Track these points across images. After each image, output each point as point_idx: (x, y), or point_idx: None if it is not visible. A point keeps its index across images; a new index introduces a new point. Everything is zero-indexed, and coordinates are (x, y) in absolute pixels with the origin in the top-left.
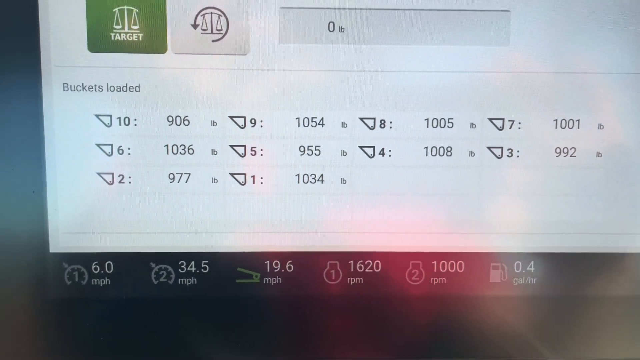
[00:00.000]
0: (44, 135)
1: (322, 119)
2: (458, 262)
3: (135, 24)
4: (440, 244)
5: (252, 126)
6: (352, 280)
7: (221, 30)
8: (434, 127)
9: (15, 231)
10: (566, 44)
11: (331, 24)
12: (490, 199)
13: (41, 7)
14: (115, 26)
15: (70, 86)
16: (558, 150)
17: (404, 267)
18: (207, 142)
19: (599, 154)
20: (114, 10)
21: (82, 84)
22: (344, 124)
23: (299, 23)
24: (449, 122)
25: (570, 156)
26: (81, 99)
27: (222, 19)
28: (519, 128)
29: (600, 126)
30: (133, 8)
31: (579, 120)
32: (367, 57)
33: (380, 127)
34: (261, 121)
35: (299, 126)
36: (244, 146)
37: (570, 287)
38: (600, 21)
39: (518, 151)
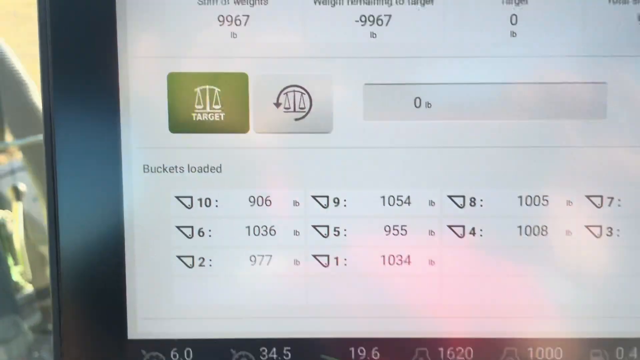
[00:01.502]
0: (124, 217)
1: (408, 197)
2: (556, 349)
3: (217, 104)
4: (536, 329)
5: (336, 205)
6: None
7: (304, 108)
8: (527, 205)
9: (93, 316)
10: None
11: (417, 100)
12: (589, 281)
13: (122, 89)
14: (196, 106)
15: (151, 168)
16: None
17: (498, 355)
18: (289, 222)
19: None
20: (195, 90)
21: (163, 165)
22: (431, 203)
23: (384, 99)
24: (543, 200)
25: None
26: (161, 181)
27: (305, 97)
28: (619, 205)
29: None
30: (215, 88)
31: None
32: (456, 132)
33: (471, 205)
34: (345, 200)
35: (384, 205)
36: (327, 226)
37: None
38: None
39: (618, 230)
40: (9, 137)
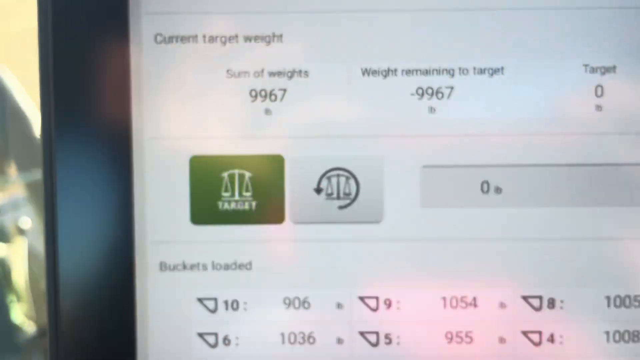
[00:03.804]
0: (136, 323)
1: (474, 298)
2: None
3: (247, 191)
4: None
5: (387, 309)
6: None
7: (350, 194)
8: (616, 307)
9: None
10: None
11: (485, 184)
12: None
13: (136, 174)
14: (223, 193)
15: (169, 265)
16: None
17: None
18: (332, 328)
19: None
20: (222, 175)
21: (183, 262)
22: (502, 305)
23: (445, 184)
24: (635, 301)
25: None
26: (181, 280)
27: (351, 181)
28: None
29: None
30: (245, 172)
31: None
32: (530, 221)
33: (549, 307)
34: (398, 302)
35: (445, 307)
36: (377, 333)
37: None
38: None
39: None
40: (13, 172)
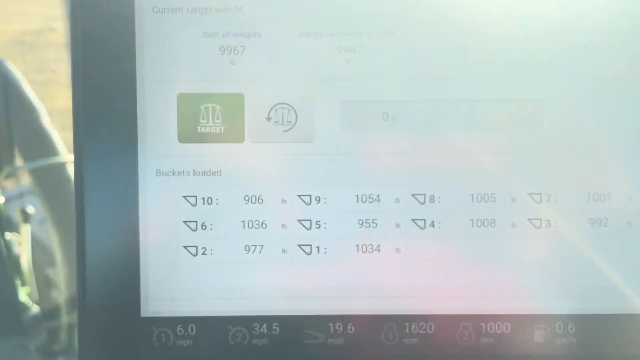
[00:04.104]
0: (139, 215)
1: (378, 195)
2: (504, 324)
3: (218, 119)
4: (487, 307)
5: (317, 203)
6: (408, 341)
7: (291, 122)
8: (478, 202)
9: (111, 298)
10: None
11: (385, 114)
12: (531, 266)
13: (139, 106)
14: (201, 120)
15: (162, 172)
16: (592, 221)
17: (455, 329)
18: (278, 217)
19: (630, 224)
20: (200, 107)
21: (172, 170)
22: (397, 200)
23: (358, 114)
24: (491, 197)
25: (604, 226)
26: (171, 183)
27: (292, 112)
28: (555, 201)
29: (630, 199)
30: (217, 105)
31: (609, 193)
32: (417, 141)
33: (430, 202)
34: (325, 198)
35: (357, 202)
36: (310, 220)
37: (610, 347)
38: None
39: (555, 222)
40: (18, 161)
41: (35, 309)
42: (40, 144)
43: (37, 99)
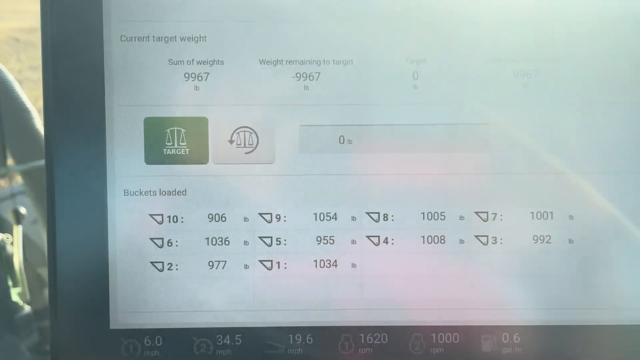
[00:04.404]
0: (108, 233)
1: (335, 214)
2: (454, 334)
3: (183, 141)
4: (438, 318)
5: (277, 221)
6: (363, 350)
7: (252, 144)
8: (428, 220)
9: (82, 311)
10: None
11: (341, 137)
12: (478, 279)
13: (108, 130)
14: (167, 143)
15: (130, 191)
16: (535, 238)
17: (407, 339)
18: (241, 234)
19: (571, 241)
20: (166, 130)
21: (140, 189)
22: (353, 218)
23: (315, 137)
24: (441, 215)
25: (546, 242)
26: (138, 202)
27: (253, 135)
28: (501, 220)
29: (571, 217)
30: (182, 128)
31: (552, 212)
32: (371, 163)
33: (384, 219)
34: (285, 216)
35: (316, 220)
36: (271, 237)
37: (553, 356)
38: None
39: (501, 239)
40: (10, 162)
41: (27, 308)
42: (32, 145)
43: (28, 100)
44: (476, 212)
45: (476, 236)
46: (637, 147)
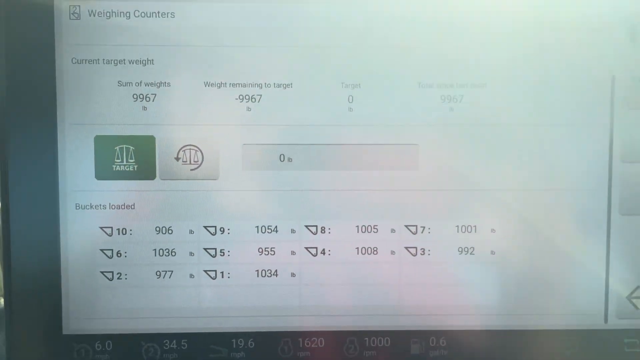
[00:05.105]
0: (60, 244)
1: (276, 226)
2: (385, 338)
3: (131, 158)
4: (370, 324)
5: (221, 233)
6: (301, 354)
7: (197, 161)
8: (362, 232)
9: (36, 318)
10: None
11: (282, 156)
12: (408, 287)
13: (60, 147)
14: (116, 160)
15: (81, 205)
16: (460, 249)
17: (342, 343)
18: (186, 246)
19: (493, 252)
20: (115, 148)
21: (90, 203)
22: (293, 230)
23: (257, 155)
24: (374, 228)
25: (470, 254)
26: (89, 215)
27: (199, 153)
28: (429, 232)
29: (493, 230)
30: (130, 146)
31: (475, 226)
32: (309, 179)
33: (321, 232)
34: (228, 229)
35: (257, 232)
36: (215, 249)
37: (477, 359)
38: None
39: (429, 250)
40: None
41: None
42: None
43: None
44: (406, 226)
45: (406, 247)
46: (554, 166)
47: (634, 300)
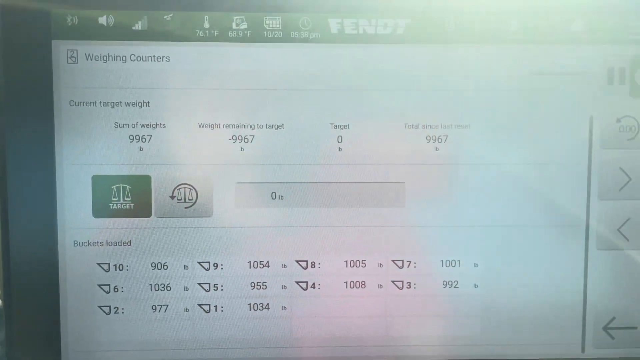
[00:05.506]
0: (59, 279)
1: (268, 262)
2: None
3: (128, 197)
4: (358, 354)
5: (215, 269)
6: None
7: (192, 200)
8: (351, 267)
9: (36, 351)
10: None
11: (273, 194)
12: (396, 319)
13: (58, 186)
14: (113, 198)
15: (79, 242)
16: (445, 283)
17: None
18: (181, 281)
19: (475, 285)
20: (112, 187)
21: (88, 240)
22: (284, 265)
23: (250, 193)
24: (362, 263)
25: (454, 287)
26: (87, 252)
27: (193, 192)
28: (415, 267)
29: (476, 265)
30: (127, 185)
31: (459, 260)
32: (300, 216)
33: (311, 267)
34: (222, 265)
35: (250, 268)
36: (209, 283)
37: None
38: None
39: (415, 284)
40: None
41: None
42: None
43: None
44: (393, 260)
45: (393, 281)
46: (534, 203)
47: (610, 331)
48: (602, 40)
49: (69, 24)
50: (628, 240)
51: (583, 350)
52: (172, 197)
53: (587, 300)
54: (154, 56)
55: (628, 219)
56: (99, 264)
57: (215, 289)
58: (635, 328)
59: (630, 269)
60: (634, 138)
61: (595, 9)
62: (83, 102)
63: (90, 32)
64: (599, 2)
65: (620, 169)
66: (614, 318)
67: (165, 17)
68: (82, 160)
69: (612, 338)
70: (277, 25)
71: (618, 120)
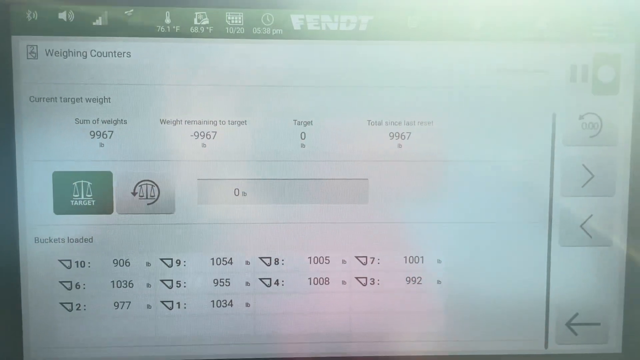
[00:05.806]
0: (20, 276)
1: (231, 258)
2: None
3: (89, 193)
4: (322, 351)
5: (177, 265)
6: None
7: (154, 196)
8: (315, 263)
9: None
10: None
11: (236, 190)
12: (358, 315)
13: (19, 183)
14: (74, 195)
15: (40, 239)
16: (408, 279)
17: None
18: (144, 278)
19: (439, 282)
20: (73, 183)
21: (49, 237)
22: (247, 262)
23: (212, 190)
24: (325, 259)
25: (417, 283)
26: (48, 249)
27: (155, 188)
28: (379, 263)
29: (439, 261)
30: (88, 182)
31: (422, 257)
32: (263, 213)
33: (275, 264)
34: (184, 261)
35: (213, 264)
36: (172, 280)
37: None
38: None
39: (378, 280)
40: None
41: None
42: None
43: None
44: (356, 257)
45: (356, 277)
46: (497, 200)
47: (573, 327)
48: (565, 38)
49: (29, 19)
50: (591, 236)
51: (546, 346)
52: (134, 193)
53: (550, 297)
54: (114, 52)
55: (591, 216)
56: (60, 261)
57: (178, 285)
58: (599, 324)
59: (593, 265)
60: (596, 135)
61: (559, 7)
62: (43, 98)
63: (50, 27)
64: (562, 0)
65: (583, 166)
66: (577, 314)
67: (126, 12)
68: (43, 156)
69: (575, 334)
70: (239, 22)
71: (581, 117)
